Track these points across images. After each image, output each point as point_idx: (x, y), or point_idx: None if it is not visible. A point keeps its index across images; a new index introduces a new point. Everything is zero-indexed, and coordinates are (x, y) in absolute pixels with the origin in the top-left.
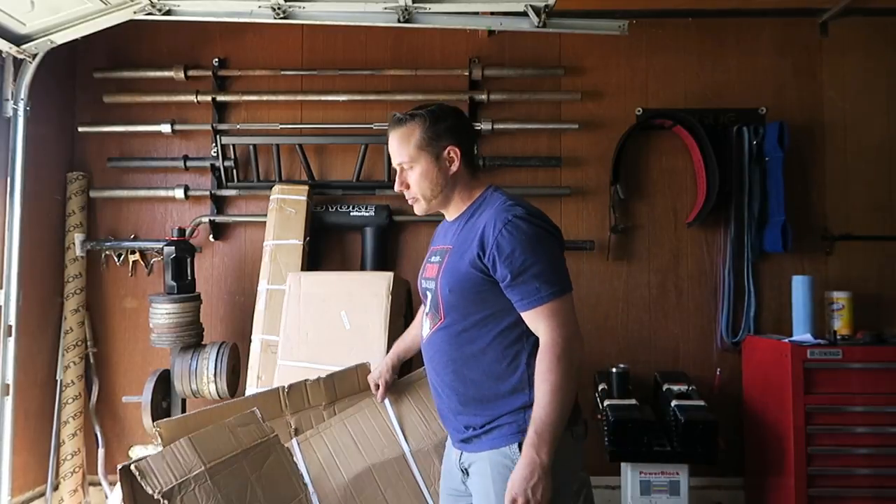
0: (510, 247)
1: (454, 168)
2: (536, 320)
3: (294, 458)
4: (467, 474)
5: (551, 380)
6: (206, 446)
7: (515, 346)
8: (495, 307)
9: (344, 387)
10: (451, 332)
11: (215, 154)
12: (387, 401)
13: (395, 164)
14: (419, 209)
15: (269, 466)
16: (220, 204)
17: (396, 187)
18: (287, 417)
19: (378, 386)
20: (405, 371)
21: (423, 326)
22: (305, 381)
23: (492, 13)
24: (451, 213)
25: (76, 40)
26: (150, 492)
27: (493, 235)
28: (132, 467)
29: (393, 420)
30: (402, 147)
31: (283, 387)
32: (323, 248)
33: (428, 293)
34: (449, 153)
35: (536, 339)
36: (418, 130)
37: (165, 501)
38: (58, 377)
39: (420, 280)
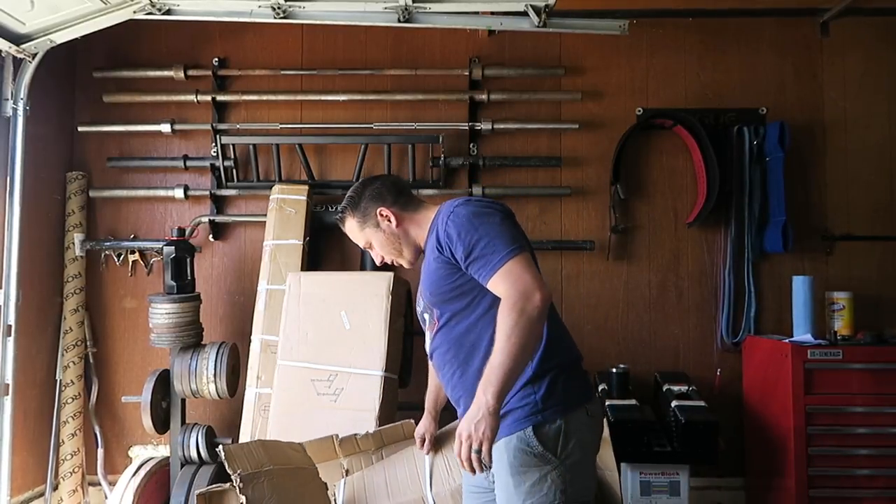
0: (456, 230)
1: (395, 222)
2: (496, 286)
3: (336, 491)
4: (489, 467)
5: (503, 328)
6: (272, 453)
7: None
8: (472, 292)
9: (391, 435)
10: (447, 328)
11: (215, 154)
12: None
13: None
14: (404, 264)
15: (313, 487)
16: (219, 204)
17: (377, 261)
18: (340, 460)
19: (424, 439)
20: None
21: (427, 342)
22: (356, 434)
23: (492, 13)
24: (424, 244)
25: (76, 40)
26: (231, 473)
27: (443, 229)
28: (220, 447)
29: (426, 467)
30: (354, 237)
31: (336, 435)
32: (323, 248)
33: (425, 313)
34: (381, 215)
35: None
36: (352, 218)
37: (241, 483)
38: (57, 377)
39: (418, 300)
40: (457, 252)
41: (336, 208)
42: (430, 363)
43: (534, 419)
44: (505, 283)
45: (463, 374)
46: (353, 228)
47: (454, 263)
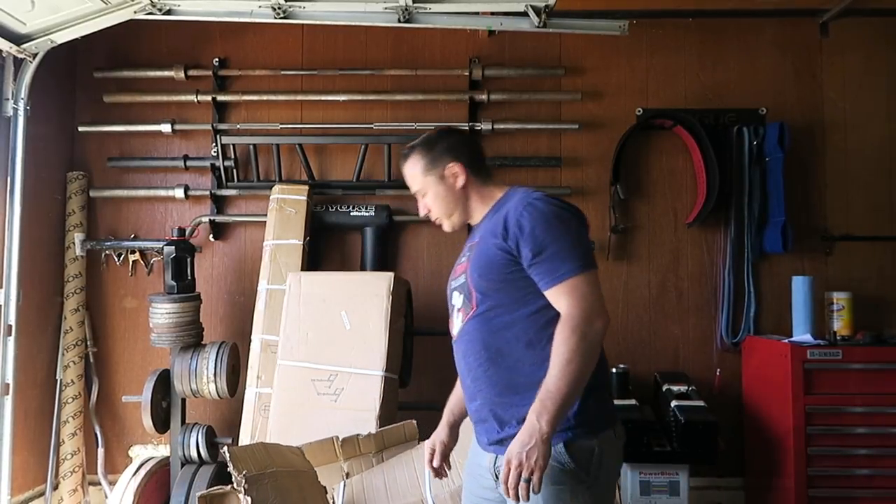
0: (529, 225)
1: (460, 182)
2: (557, 298)
3: (335, 494)
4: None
5: (563, 351)
6: (274, 455)
7: (548, 331)
8: (524, 290)
9: (392, 436)
10: (485, 317)
11: (215, 154)
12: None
13: (413, 192)
14: (446, 227)
15: (313, 490)
16: (220, 204)
17: (421, 212)
18: (340, 463)
19: (433, 450)
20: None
21: (453, 325)
22: (357, 435)
23: (492, 13)
24: (476, 216)
25: (76, 40)
26: (236, 474)
27: (514, 217)
28: (225, 449)
29: (426, 469)
30: (411, 179)
31: (337, 437)
32: (323, 248)
33: (457, 291)
34: (451, 171)
35: None
36: (419, 160)
37: (246, 485)
38: (57, 377)
39: (448, 284)
40: (523, 247)
41: (336, 208)
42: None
43: (565, 435)
44: (569, 299)
45: (489, 368)
46: (414, 170)
47: (514, 256)
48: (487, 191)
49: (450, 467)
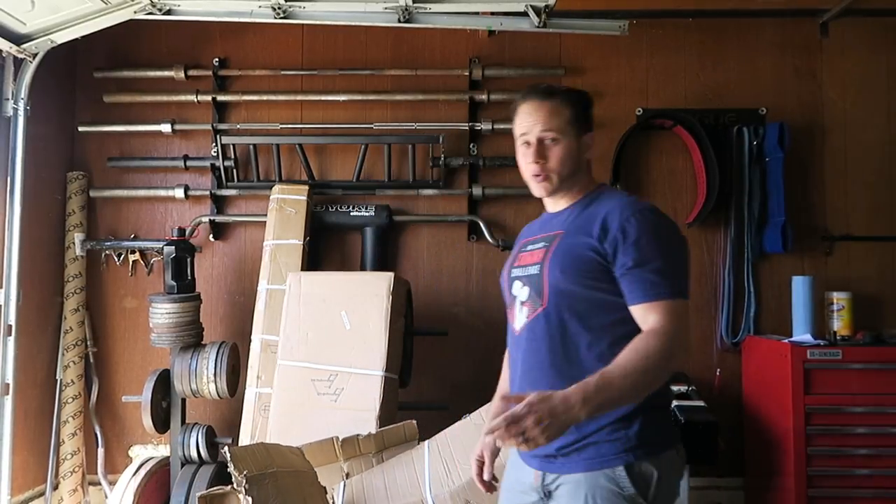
0: (636, 234)
1: (588, 155)
2: (647, 313)
3: (335, 494)
4: (549, 497)
5: (642, 360)
6: (274, 455)
7: (622, 345)
8: (605, 297)
9: (392, 437)
10: (555, 318)
11: (215, 154)
12: (426, 451)
13: (536, 134)
14: (545, 188)
15: (313, 491)
16: (220, 204)
17: (531, 158)
18: (340, 463)
19: (481, 461)
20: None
21: (515, 319)
22: (357, 435)
23: (492, 13)
24: (560, 202)
25: (76, 40)
26: (237, 474)
27: (618, 220)
28: (226, 449)
29: (426, 469)
30: (552, 119)
31: (337, 437)
32: (323, 248)
33: (523, 281)
34: (590, 138)
35: None
36: (570, 108)
37: (247, 485)
38: (57, 377)
39: (510, 270)
40: (622, 254)
41: (336, 208)
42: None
43: (626, 457)
44: (665, 317)
45: (551, 373)
46: (557, 112)
47: (606, 261)
48: (588, 178)
49: (497, 480)
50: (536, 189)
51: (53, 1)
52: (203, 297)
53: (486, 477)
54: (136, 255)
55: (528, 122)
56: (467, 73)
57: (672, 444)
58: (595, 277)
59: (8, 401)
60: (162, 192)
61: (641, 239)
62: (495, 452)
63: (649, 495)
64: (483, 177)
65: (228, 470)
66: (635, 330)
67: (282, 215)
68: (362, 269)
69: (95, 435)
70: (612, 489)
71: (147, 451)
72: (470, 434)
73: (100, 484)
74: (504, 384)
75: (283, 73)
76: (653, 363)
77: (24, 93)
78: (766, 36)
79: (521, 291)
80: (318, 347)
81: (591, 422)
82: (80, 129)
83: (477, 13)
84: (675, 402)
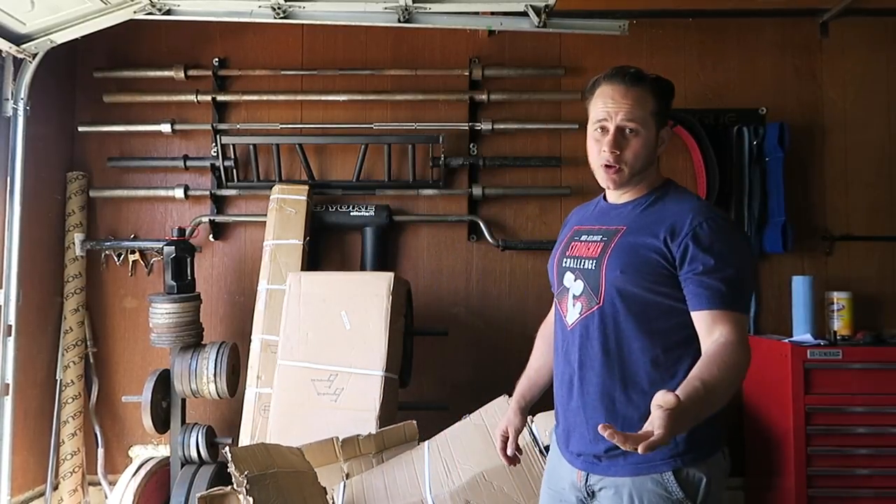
0: (709, 240)
1: (661, 149)
2: (716, 322)
3: (335, 494)
4: (592, 497)
5: (733, 374)
6: (275, 455)
7: (677, 352)
8: (664, 301)
9: (392, 437)
10: (610, 318)
11: (215, 154)
12: (426, 451)
13: (616, 122)
14: (615, 180)
15: (313, 491)
16: (220, 204)
17: (608, 147)
18: (340, 463)
19: (506, 437)
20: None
21: (567, 312)
22: (357, 436)
23: (492, 13)
24: (625, 195)
25: (76, 40)
26: (238, 474)
27: (690, 223)
28: (226, 449)
29: (426, 470)
30: (636, 108)
31: (337, 438)
32: (323, 248)
33: (576, 274)
34: (668, 133)
35: (699, 351)
36: (655, 100)
37: (248, 485)
38: (57, 377)
39: (562, 259)
40: (692, 257)
41: (336, 208)
42: (551, 335)
43: (673, 463)
44: (738, 329)
45: (603, 373)
46: (643, 101)
47: (670, 264)
48: (657, 172)
49: (521, 452)
50: (605, 179)
51: (53, 1)
52: (203, 297)
53: (509, 452)
54: (136, 255)
55: (609, 108)
56: (467, 73)
57: (719, 447)
58: (656, 281)
59: (8, 401)
60: (162, 192)
61: (714, 245)
62: (519, 429)
63: (698, 500)
64: (483, 177)
65: (229, 470)
66: (691, 337)
67: (282, 215)
68: (362, 269)
69: (95, 435)
70: (659, 493)
71: (147, 452)
72: (470, 434)
73: (100, 484)
74: (533, 366)
75: (283, 73)
76: (740, 378)
77: (23, 93)
78: (766, 36)
79: (574, 285)
80: (318, 347)
81: (636, 427)
82: (80, 129)
83: (477, 13)
84: None
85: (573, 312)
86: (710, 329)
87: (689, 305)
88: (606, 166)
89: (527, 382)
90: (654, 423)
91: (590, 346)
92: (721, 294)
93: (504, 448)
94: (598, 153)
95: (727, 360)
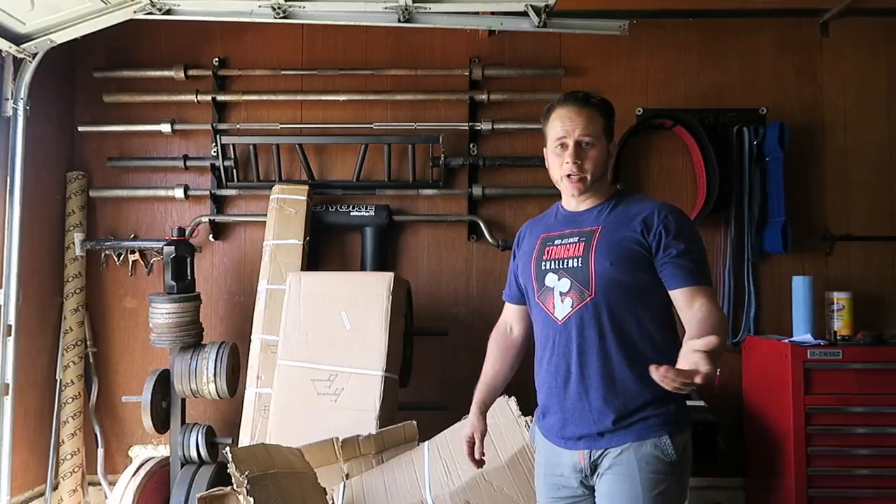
0: (677, 230)
1: (611, 162)
2: (694, 295)
3: (335, 495)
4: (594, 471)
5: (719, 319)
6: (275, 456)
7: (664, 327)
8: (649, 287)
9: (392, 437)
10: (604, 306)
11: (215, 154)
12: (425, 452)
13: (574, 137)
14: (579, 188)
15: (313, 492)
16: (219, 204)
17: (570, 159)
18: (340, 464)
19: (472, 443)
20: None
21: (555, 309)
22: (357, 436)
23: (492, 13)
24: (586, 202)
25: (76, 40)
26: (239, 475)
27: (659, 217)
28: (227, 450)
29: (426, 470)
30: (590, 125)
31: (337, 438)
32: (323, 248)
33: (560, 273)
34: (613, 147)
35: (677, 326)
36: (603, 117)
37: (249, 485)
38: (57, 377)
39: (539, 263)
40: (666, 244)
41: (336, 208)
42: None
43: (669, 428)
44: (712, 299)
45: (603, 358)
46: (595, 119)
47: (648, 254)
48: (608, 184)
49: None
50: (569, 188)
51: (53, 1)
52: (203, 297)
53: (477, 457)
54: (136, 255)
55: (567, 126)
56: (467, 73)
57: (689, 425)
58: (638, 268)
59: (8, 401)
60: (162, 192)
61: (683, 231)
62: (484, 433)
63: (684, 460)
64: (483, 177)
65: (229, 470)
66: (672, 313)
67: (282, 215)
68: (362, 269)
69: (95, 435)
70: (657, 455)
71: (147, 452)
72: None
73: (100, 484)
74: (489, 372)
75: (283, 72)
76: (727, 333)
77: (23, 93)
78: (766, 36)
79: (559, 283)
80: (318, 347)
81: (638, 398)
82: (80, 129)
83: (477, 13)
84: None
85: (563, 308)
86: (690, 302)
87: (667, 285)
88: (569, 176)
89: (485, 388)
90: (699, 363)
91: (587, 333)
92: (694, 272)
93: (471, 453)
94: (559, 166)
95: (718, 317)
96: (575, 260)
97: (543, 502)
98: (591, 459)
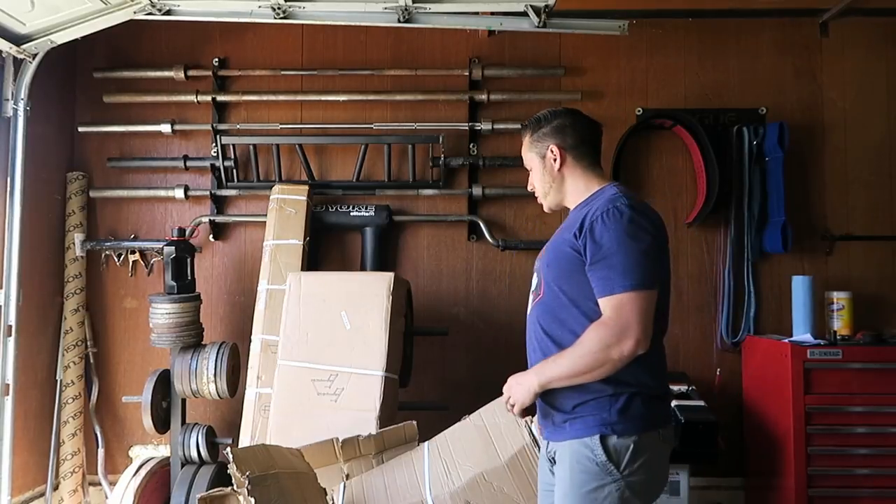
0: (600, 232)
1: (557, 165)
2: (604, 308)
3: (335, 495)
4: (553, 463)
5: (585, 344)
6: (276, 456)
7: None
8: (586, 288)
9: (392, 438)
10: (547, 307)
11: (215, 154)
12: (426, 452)
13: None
14: (544, 206)
15: (313, 492)
16: (220, 204)
17: (528, 187)
18: (340, 464)
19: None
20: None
21: (528, 305)
22: (357, 436)
23: (492, 13)
24: (571, 206)
25: (76, 40)
26: (240, 475)
27: (591, 218)
28: (227, 450)
29: (426, 470)
30: (523, 152)
31: (337, 438)
32: (323, 248)
33: (536, 273)
34: (551, 152)
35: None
36: (527, 134)
37: (250, 486)
38: (58, 377)
39: (537, 262)
40: (588, 249)
41: (336, 208)
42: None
43: (603, 429)
44: (611, 311)
45: (543, 357)
46: (525, 144)
47: (578, 252)
48: (586, 180)
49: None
50: (544, 208)
51: (53, 1)
52: (203, 297)
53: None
54: (136, 256)
55: None
56: (467, 73)
57: (654, 426)
58: (574, 271)
59: (8, 401)
60: (162, 193)
61: (603, 236)
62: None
63: (622, 466)
64: (483, 177)
65: (229, 471)
66: None
67: (282, 215)
68: (362, 269)
69: (96, 435)
70: (586, 455)
71: (147, 452)
72: (470, 435)
73: (100, 484)
74: None
75: (282, 73)
76: (587, 350)
77: (23, 93)
78: (766, 36)
79: (534, 281)
80: (318, 347)
81: (579, 396)
82: (80, 129)
83: (477, 13)
84: (675, 402)
85: (530, 304)
86: (604, 314)
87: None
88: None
89: None
90: (506, 391)
91: (535, 331)
92: (605, 281)
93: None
94: None
95: (581, 338)
96: (541, 261)
97: (540, 481)
98: (549, 450)
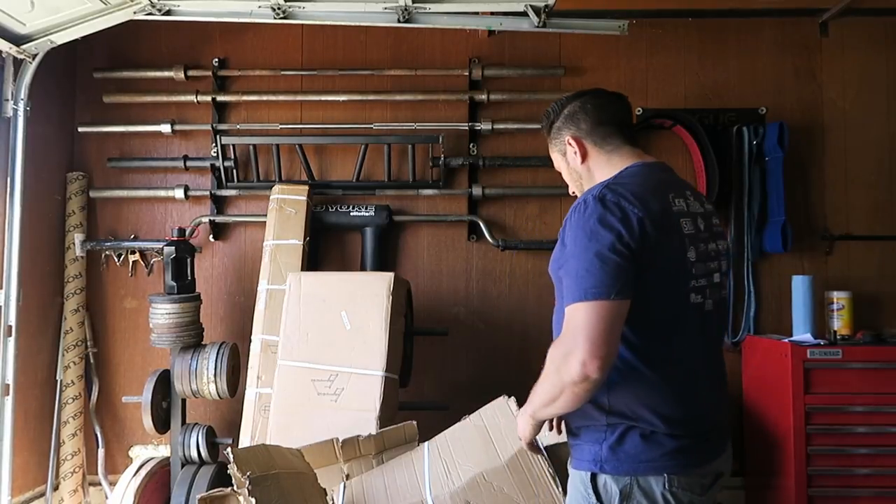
0: (567, 230)
1: (579, 159)
2: (566, 320)
3: (335, 495)
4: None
5: (544, 373)
6: (276, 457)
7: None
8: None
9: (392, 438)
10: (558, 315)
11: (215, 154)
12: (426, 452)
13: None
14: None
15: (313, 492)
16: (220, 204)
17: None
18: (341, 465)
19: None
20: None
21: None
22: (357, 437)
23: (492, 13)
24: None
25: (76, 40)
26: (240, 475)
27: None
28: (228, 450)
29: (426, 471)
30: (551, 151)
31: (337, 439)
32: (323, 248)
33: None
34: (570, 146)
35: (624, 340)
36: (546, 132)
37: (251, 486)
38: (58, 377)
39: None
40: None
41: (336, 208)
42: None
43: (592, 466)
44: (566, 325)
45: None
46: (550, 144)
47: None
48: (611, 166)
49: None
50: None
51: (53, 1)
52: (203, 298)
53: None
54: (136, 256)
55: None
56: (467, 73)
57: (658, 471)
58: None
59: (8, 401)
60: (162, 193)
61: (567, 235)
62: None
63: None
64: (483, 177)
65: (230, 471)
66: (636, 325)
67: (282, 215)
68: (362, 269)
69: (96, 435)
70: (580, 489)
71: (147, 452)
72: (470, 435)
73: (100, 484)
74: None
75: (282, 73)
76: (545, 373)
77: (23, 93)
78: (766, 35)
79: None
80: (319, 347)
81: (581, 417)
82: (80, 129)
83: (477, 13)
84: None
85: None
86: None
87: None
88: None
89: None
90: (517, 429)
91: (556, 334)
92: (566, 290)
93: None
94: None
95: (546, 362)
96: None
97: None
98: None
